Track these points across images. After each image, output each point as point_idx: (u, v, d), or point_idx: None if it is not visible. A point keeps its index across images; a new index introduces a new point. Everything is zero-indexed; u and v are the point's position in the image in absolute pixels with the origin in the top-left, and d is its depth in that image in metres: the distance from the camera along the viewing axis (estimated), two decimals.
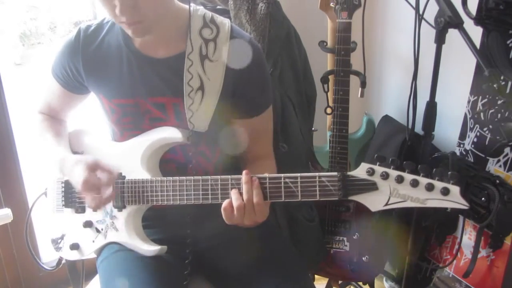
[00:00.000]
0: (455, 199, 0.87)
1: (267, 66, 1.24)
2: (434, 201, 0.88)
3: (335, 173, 0.96)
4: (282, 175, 1.00)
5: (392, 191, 0.91)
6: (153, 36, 1.13)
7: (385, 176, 0.91)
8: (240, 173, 1.04)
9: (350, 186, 0.95)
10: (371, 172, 0.93)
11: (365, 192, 0.94)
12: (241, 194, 1.02)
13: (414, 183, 0.89)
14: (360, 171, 0.94)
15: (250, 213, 1.02)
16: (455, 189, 0.87)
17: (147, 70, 1.16)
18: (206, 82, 1.13)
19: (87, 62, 1.19)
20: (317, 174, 0.97)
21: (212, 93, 1.14)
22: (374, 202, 0.93)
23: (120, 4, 0.99)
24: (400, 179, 0.90)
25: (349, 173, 0.95)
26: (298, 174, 0.99)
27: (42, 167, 1.31)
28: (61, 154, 1.20)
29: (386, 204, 0.92)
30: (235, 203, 1.01)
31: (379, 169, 0.92)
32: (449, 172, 0.88)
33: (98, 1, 1.02)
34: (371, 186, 0.93)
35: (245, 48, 1.16)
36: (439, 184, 0.88)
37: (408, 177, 0.90)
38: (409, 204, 0.90)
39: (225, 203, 1.03)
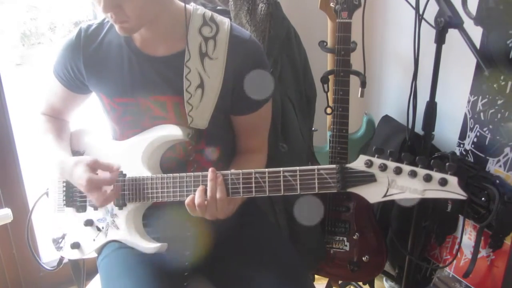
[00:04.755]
0: (453, 190, 0.87)
1: (267, 63, 1.24)
2: (433, 191, 0.88)
3: (333, 166, 0.96)
4: (281, 169, 1.01)
5: (390, 182, 0.91)
6: (153, 34, 1.13)
7: (383, 168, 0.92)
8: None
9: (349, 178, 0.95)
10: (369, 164, 0.93)
11: (363, 184, 0.94)
12: (206, 191, 1.05)
13: (412, 174, 0.89)
14: (359, 163, 0.94)
15: (212, 209, 1.05)
16: (453, 180, 0.87)
17: (148, 69, 1.16)
18: (206, 80, 1.14)
19: (88, 61, 1.19)
20: (315, 167, 0.98)
21: (212, 91, 1.14)
22: (372, 193, 0.93)
23: (103, 2, 1.00)
24: (398, 171, 0.90)
25: (347, 165, 0.95)
26: (297, 168, 0.99)
27: (43, 167, 1.31)
28: (60, 157, 1.21)
29: (385, 196, 0.92)
30: (196, 201, 1.05)
31: (377, 161, 0.92)
32: (447, 163, 0.87)
33: None
34: (369, 178, 0.93)
35: (245, 46, 1.16)
36: (437, 175, 0.88)
37: (406, 168, 0.90)
38: (407, 195, 0.90)
39: (188, 199, 1.06)
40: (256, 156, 1.28)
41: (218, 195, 1.04)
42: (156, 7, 1.08)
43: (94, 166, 1.13)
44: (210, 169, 1.06)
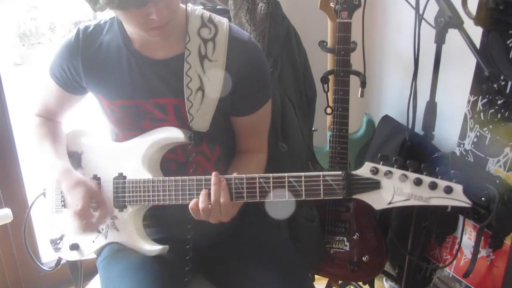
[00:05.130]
0: (458, 197, 0.88)
1: (266, 64, 1.24)
2: (438, 199, 0.89)
3: (339, 172, 0.97)
4: (286, 174, 1.00)
5: (396, 189, 0.92)
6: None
7: (389, 175, 0.92)
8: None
9: (354, 185, 0.95)
10: (375, 171, 0.93)
11: (369, 190, 0.94)
12: (209, 195, 1.04)
13: (418, 182, 0.90)
14: (364, 170, 0.95)
15: (216, 212, 1.05)
16: (458, 188, 0.88)
17: (147, 71, 1.16)
18: (206, 82, 1.14)
19: (87, 63, 1.19)
20: (321, 173, 0.98)
21: (212, 93, 1.14)
22: (378, 200, 0.94)
23: (156, 10, 0.99)
24: (403, 178, 0.91)
25: (353, 172, 0.96)
26: (302, 174, 0.99)
27: (41, 168, 1.31)
28: (62, 167, 1.19)
29: (390, 203, 0.93)
30: (200, 205, 1.04)
31: (383, 168, 0.93)
32: (452, 171, 0.88)
33: (126, 14, 1.01)
34: (375, 185, 0.93)
35: (244, 47, 1.16)
36: (442, 183, 0.88)
37: (412, 175, 0.90)
38: (412, 202, 0.91)
39: (192, 203, 1.06)
40: (256, 156, 1.28)
41: (222, 200, 1.03)
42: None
43: (92, 196, 1.13)
44: (213, 173, 1.05)
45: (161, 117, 1.18)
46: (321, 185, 0.98)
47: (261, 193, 1.02)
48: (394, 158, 0.92)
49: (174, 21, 1.06)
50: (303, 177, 0.99)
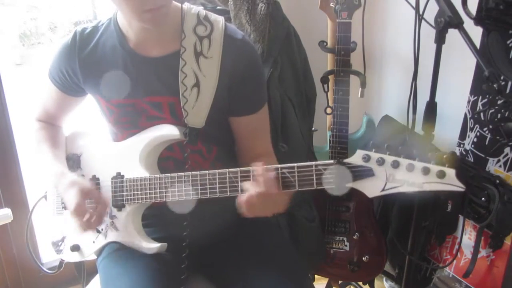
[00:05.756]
0: (451, 182, 0.86)
1: (261, 64, 1.24)
2: (431, 184, 0.88)
3: (331, 161, 0.96)
4: (279, 165, 1.00)
5: (388, 176, 0.91)
6: (148, 35, 1.13)
7: (380, 162, 0.91)
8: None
9: None
10: (367, 158, 0.92)
11: (361, 178, 0.93)
12: (258, 185, 1.00)
13: (410, 168, 0.88)
14: (356, 158, 0.94)
15: (269, 203, 1.01)
16: (451, 172, 0.86)
17: (143, 70, 1.16)
18: (201, 79, 1.14)
19: (84, 64, 1.19)
20: (313, 163, 0.97)
21: (208, 90, 1.14)
22: (371, 188, 0.93)
23: None
24: (396, 164, 0.90)
25: (345, 160, 0.95)
26: (295, 164, 0.99)
27: (41, 170, 1.32)
28: (57, 170, 1.21)
29: (383, 190, 0.92)
30: (255, 192, 0.99)
31: (374, 155, 0.92)
32: (444, 155, 0.87)
33: None
34: (367, 172, 0.92)
35: (239, 45, 1.16)
36: (434, 168, 0.87)
37: (404, 161, 0.89)
38: (405, 188, 0.90)
39: (245, 196, 1.01)
40: (266, 159, 1.27)
41: (274, 190, 0.98)
42: None
43: (87, 194, 1.13)
44: (259, 163, 1.01)
45: (157, 115, 1.18)
46: (314, 175, 0.97)
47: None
48: (386, 145, 0.91)
49: (167, 8, 1.06)
50: (296, 168, 0.99)
